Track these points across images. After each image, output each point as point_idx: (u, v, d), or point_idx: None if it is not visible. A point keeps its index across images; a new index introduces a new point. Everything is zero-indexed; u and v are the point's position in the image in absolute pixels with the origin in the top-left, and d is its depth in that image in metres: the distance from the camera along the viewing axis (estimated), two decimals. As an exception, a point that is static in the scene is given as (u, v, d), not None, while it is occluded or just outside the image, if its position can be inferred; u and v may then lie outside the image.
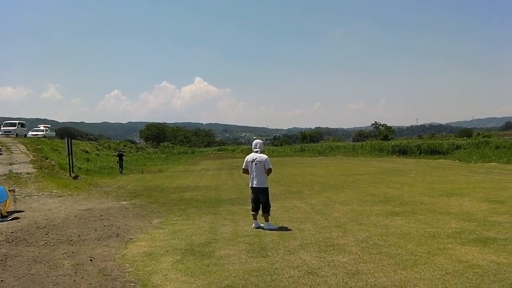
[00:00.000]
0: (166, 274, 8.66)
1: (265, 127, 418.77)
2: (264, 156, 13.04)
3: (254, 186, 13.07)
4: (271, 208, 13.30)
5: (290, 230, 12.55)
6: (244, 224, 13.53)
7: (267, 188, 13.14)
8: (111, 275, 8.78)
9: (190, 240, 11.58)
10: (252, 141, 13.97)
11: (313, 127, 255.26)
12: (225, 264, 9.26)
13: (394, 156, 62.21)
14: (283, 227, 12.98)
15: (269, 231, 12.39)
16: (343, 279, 8.01)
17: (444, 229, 12.13)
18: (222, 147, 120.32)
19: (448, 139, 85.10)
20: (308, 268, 8.75)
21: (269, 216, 13.04)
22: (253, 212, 13.18)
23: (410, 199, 17.95)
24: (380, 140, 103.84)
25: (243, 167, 13.48)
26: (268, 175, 13.11)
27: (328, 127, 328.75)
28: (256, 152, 13.16)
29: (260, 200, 13.04)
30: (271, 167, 13.07)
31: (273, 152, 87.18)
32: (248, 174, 13.23)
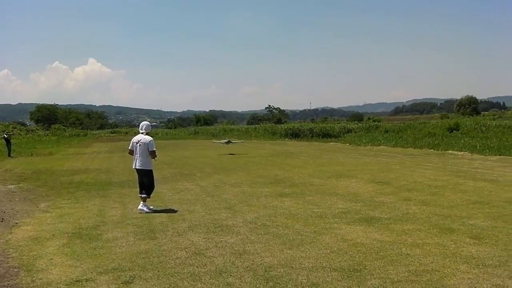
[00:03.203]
0: (52, 259, 8.46)
1: (160, 109, 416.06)
2: (148, 138, 12.93)
3: (137, 167, 13.04)
4: (154, 190, 13.39)
5: (180, 212, 12.56)
6: (133, 206, 13.35)
7: (150, 170, 13.10)
8: (-7, 261, 8.47)
9: (77, 224, 11.36)
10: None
11: (207, 110, 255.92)
12: (112, 247, 9.17)
13: (286, 139, 63.25)
14: (172, 209, 12.97)
15: (158, 213, 12.36)
16: (230, 259, 8.11)
17: (331, 209, 12.48)
18: (115, 129, 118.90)
19: (339, 123, 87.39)
20: (195, 249, 8.81)
21: (147, 198, 12.94)
22: (141, 194, 13.02)
23: (300, 181, 18.33)
24: (273, 123, 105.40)
25: (129, 148, 13.36)
26: (152, 157, 13.06)
27: (223, 110, 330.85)
28: (142, 133, 13.05)
29: (143, 181, 12.94)
30: (155, 149, 12.97)
31: (166, 134, 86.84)
32: (133, 155, 13.08)
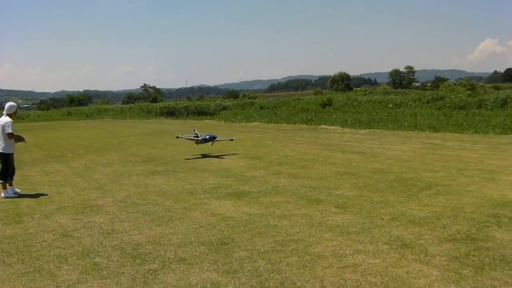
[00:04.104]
0: None
1: (32, 90, 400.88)
2: (6, 120, 12.32)
3: None
4: (15, 175, 12.77)
5: (48, 194, 12.28)
6: (-1, 191, 12.89)
7: (8, 154, 12.41)
8: None
9: None
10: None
11: (82, 90, 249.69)
12: (-26, 234, 8.82)
13: (162, 118, 62.71)
14: (40, 192, 12.60)
15: (26, 197, 11.99)
16: (98, 239, 8.10)
17: (202, 185, 12.66)
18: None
19: (215, 101, 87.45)
20: (63, 231, 8.71)
21: (7, 183, 12.43)
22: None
23: (173, 158, 18.39)
24: (149, 102, 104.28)
25: None
26: (20, 141, 12.68)
27: (98, 89, 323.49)
28: (4, 115, 12.54)
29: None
30: (11, 131, 12.24)
31: (38, 116, 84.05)
32: None
